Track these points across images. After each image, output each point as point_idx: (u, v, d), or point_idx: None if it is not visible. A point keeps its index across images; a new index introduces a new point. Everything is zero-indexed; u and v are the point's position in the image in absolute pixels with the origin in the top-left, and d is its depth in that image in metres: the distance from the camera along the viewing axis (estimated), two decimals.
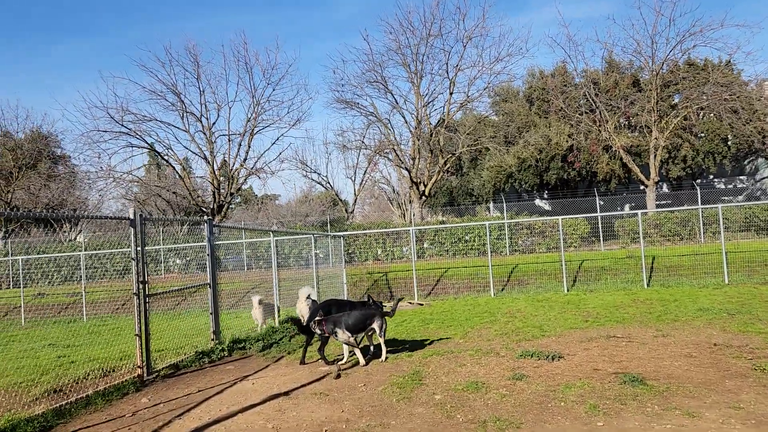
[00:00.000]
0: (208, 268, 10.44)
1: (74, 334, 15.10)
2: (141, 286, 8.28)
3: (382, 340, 8.72)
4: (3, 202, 37.81)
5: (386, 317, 8.89)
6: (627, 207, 43.57)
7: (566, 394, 6.40)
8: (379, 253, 28.53)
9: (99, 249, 27.93)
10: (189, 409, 6.67)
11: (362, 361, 8.48)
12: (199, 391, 7.57)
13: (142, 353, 8.18)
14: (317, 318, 8.73)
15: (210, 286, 10.42)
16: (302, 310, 13.58)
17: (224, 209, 31.98)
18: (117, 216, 8.34)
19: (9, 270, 22.12)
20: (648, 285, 17.33)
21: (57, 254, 25.56)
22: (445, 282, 20.27)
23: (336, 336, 8.53)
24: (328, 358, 9.01)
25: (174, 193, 37.85)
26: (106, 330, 15.27)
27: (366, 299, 10.05)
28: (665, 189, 42.87)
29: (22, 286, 20.81)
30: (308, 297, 13.05)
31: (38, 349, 12.58)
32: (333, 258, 21.24)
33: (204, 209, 32.76)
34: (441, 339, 10.37)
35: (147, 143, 32.81)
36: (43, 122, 65.50)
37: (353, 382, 7.56)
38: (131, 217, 8.19)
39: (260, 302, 12.44)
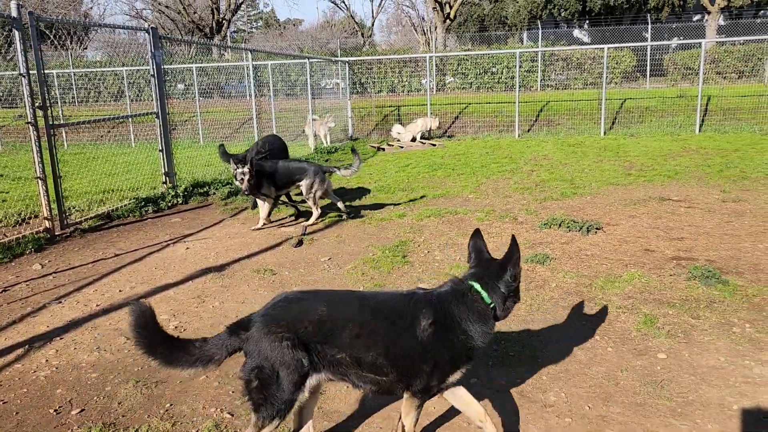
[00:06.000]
0: (154, 94, 8.20)
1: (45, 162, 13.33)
2: (39, 113, 6.15)
3: (311, 202, 6.70)
4: None
5: (329, 173, 6.76)
6: (675, 41, 38.87)
7: (606, 293, 4.41)
8: (394, 83, 25.72)
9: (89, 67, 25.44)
10: (81, 287, 4.87)
11: (264, 214, 6.67)
12: (116, 255, 5.76)
13: (48, 202, 6.29)
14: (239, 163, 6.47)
15: (158, 116, 8.26)
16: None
17: (224, 28, 28.72)
18: None
19: None
20: (700, 130, 14.78)
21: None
22: (464, 119, 17.84)
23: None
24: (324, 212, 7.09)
25: (179, 12, 33.98)
26: (85, 159, 13.46)
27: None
28: (721, 21, 37.77)
29: None
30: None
31: None
32: (342, 88, 18.82)
33: (201, 27, 29.43)
34: (447, 192, 8.33)
35: None
36: None
37: (316, 253, 5.66)
38: (14, 14, 5.82)
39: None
